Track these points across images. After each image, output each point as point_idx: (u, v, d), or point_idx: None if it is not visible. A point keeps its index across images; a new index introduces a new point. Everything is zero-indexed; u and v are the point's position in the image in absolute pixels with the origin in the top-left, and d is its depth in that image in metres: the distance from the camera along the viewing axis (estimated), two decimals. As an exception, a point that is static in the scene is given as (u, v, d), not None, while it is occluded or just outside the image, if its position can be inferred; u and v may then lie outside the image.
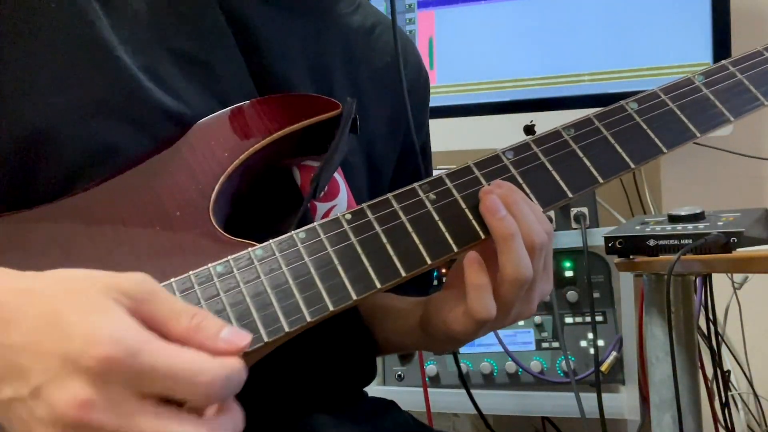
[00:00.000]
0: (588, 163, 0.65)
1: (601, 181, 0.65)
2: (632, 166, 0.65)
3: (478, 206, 0.62)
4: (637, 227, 1.00)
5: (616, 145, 0.66)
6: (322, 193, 0.70)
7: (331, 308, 0.57)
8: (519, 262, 0.60)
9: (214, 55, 0.68)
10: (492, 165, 0.65)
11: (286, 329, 0.55)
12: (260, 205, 0.68)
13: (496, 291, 0.61)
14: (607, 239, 1.00)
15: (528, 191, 0.64)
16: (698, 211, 0.97)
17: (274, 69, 0.71)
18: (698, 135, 0.67)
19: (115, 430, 0.41)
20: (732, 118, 0.68)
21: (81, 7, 0.62)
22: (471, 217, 0.62)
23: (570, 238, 1.33)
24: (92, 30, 0.63)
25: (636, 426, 1.34)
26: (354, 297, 0.57)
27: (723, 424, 1.37)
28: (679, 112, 0.68)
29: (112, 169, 0.61)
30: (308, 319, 0.56)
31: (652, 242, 0.95)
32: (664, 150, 0.66)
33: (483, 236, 0.61)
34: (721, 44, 1.41)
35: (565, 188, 0.64)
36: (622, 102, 0.68)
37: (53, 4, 0.61)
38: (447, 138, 1.41)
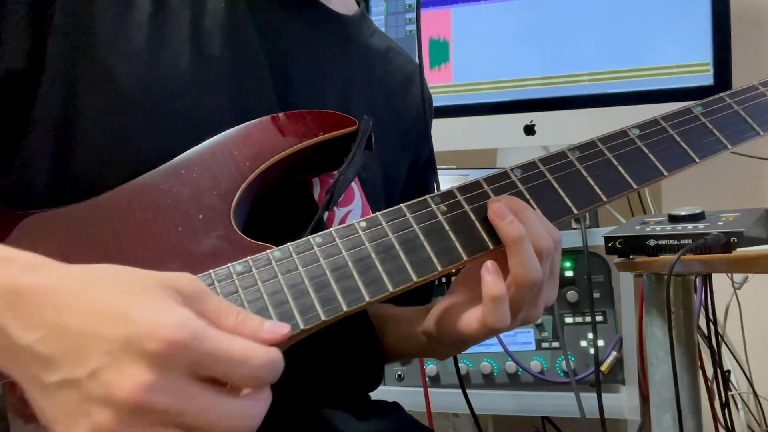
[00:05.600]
0: (592, 183, 0.67)
1: (604, 199, 0.67)
2: (635, 187, 0.68)
3: (486, 218, 0.63)
4: (637, 227, 1.00)
5: (619, 167, 0.68)
6: (336, 204, 0.71)
7: (345, 309, 0.58)
8: (529, 264, 0.61)
9: (242, 66, 0.70)
10: (501, 181, 0.67)
11: (302, 326, 0.57)
12: (277, 213, 0.70)
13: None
14: (607, 239, 1.00)
15: (535, 206, 0.65)
16: (698, 211, 0.97)
17: (299, 83, 0.74)
18: (697, 161, 0.70)
19: (177, 412, 0.42)
20: (729, 146, 0.72)
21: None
22: (480, 228, 0.63)
23: (570, 238, 1.32)
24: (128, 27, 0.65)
25: (636, 426, 1.34)
26: (367, 299, 0.59)
27: (723, 424, 1.37)
28: (679, 139, 0.71)
29: (132, 171, 0.63)
30: (323, 317, 0.57)
31: (652, 242, 0.95)
32: (665, 173, 0.69)
33: (491, 246, 0.63)
34: (721, 44, 1.41)
35: (571, 205, 0.66)
36: (624, 128, 0.71)
37: None
38: (447, 138, 1.41)
